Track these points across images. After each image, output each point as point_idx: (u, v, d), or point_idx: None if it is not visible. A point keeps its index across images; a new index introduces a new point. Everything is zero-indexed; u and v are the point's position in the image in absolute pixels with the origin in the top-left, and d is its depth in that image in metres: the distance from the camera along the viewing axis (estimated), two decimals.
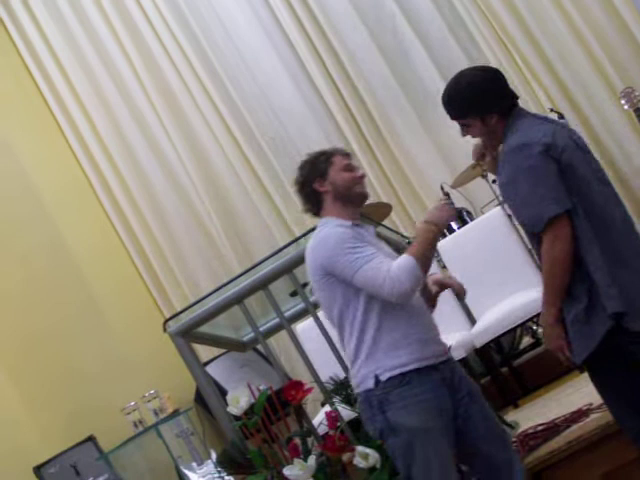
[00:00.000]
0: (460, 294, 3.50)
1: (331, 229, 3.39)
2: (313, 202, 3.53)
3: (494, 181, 6.61)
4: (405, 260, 3.25)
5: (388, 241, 4.14)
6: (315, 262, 3.40)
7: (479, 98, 3.34)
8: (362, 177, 3.51)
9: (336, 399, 4.09)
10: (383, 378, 3.27)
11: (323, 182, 3.47)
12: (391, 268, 3.23)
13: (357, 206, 3.52)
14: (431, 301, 3.54)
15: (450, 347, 3.58)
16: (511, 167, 3.22)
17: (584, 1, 7.13)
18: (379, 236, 3.69)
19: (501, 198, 3.37)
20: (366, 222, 3.64)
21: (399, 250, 3.81)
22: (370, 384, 3.30)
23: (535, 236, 3.25)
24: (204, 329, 4.52)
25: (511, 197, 3.28)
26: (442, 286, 3.55)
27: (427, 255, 3.30)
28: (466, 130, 3.42)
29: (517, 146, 3.21)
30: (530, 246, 3.47)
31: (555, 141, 3.22)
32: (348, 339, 3.37)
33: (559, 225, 3.14)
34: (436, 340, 3.41)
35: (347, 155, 3.56)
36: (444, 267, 5.86)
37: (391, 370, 3.27)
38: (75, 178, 7.98)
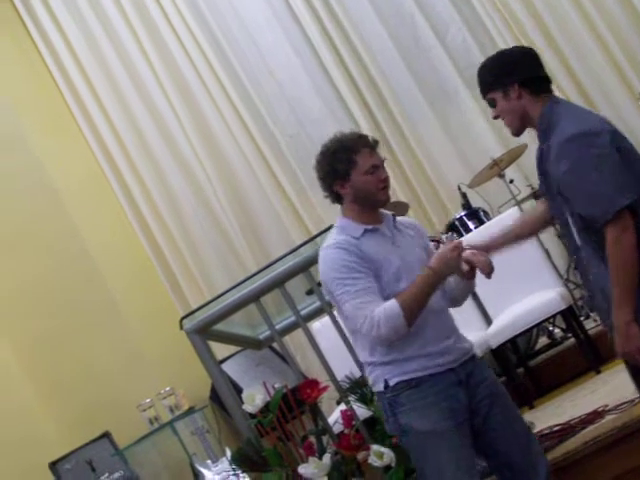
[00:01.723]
0: (484, 272, 3.30)
1: (331, 250, 3.28)
2: (333, 197, 3.41)
3: (511, 181, 6.59)
4: (390, 306, 3.14)
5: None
6: (320, 277, 3.38)
7: (502, 70, 3.27)
8: (386, 181, 3.33)
9: (352, 398, 4.09)
10: (392, 383, 3.26)
11: (344, 184, 3.32)
12: (374, 311, 3.13)
13: (377, 209, 3.39)
14: (466, 277, 3.36)
15: (472, 346, 3.50)
16: (574, 155, 3.05)
17: (604, 1, 7.11)
18: (401, 225, 3.46)
19: (560, 188, 3.14)
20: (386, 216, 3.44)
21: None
22: (380, 387, 3.30)
23: (585, 230, 3.11)
24: (220, 327, 4.53)
25: (572, 187, 3.09)
26: (471, 264, 3.35)
27: (419, 302, 3.17)
28: (493, 109, 3.31)
29: (580, 134, 3.06)
30: (566, 240, 3.28)
31: (615, 130, 3.12)
32: (361, 349, 3.36)
33: (625, 217, 3.00)
34: (454, 347, 3.31)
35: (373, 149, 3.33)
36: None
37: (400, 375, 3.25)
38: (92, 174, 7.99)
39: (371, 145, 3.33)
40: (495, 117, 3.34)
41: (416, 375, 3.23)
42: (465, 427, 3.26)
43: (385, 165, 3.40)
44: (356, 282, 3.19)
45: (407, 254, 3.33)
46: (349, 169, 3.29)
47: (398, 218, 3.45)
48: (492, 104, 3.30)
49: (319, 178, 3.40)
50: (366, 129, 7.64)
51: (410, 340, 3.23)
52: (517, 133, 3.34)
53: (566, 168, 3.07)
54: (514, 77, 3.22)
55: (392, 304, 3.14)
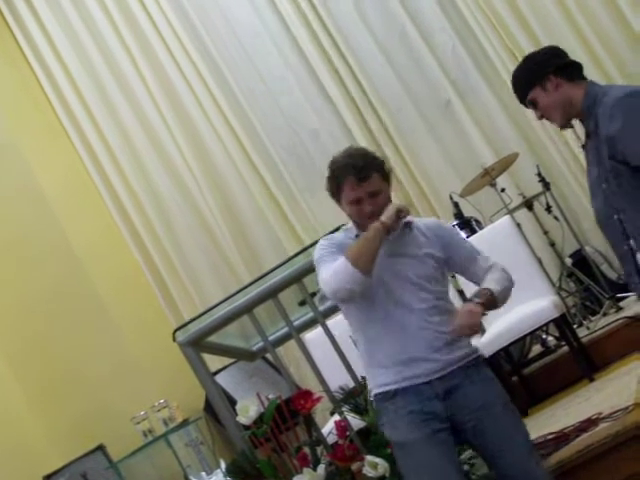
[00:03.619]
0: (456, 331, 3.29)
1: (321, 240, 3.49)
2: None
3: (503, 190, 6.60)
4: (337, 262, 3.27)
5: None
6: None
7: (534, 67, 3.42)
8: (371, 214, 3.31)
9: (345, 408, 4.09)
10: (372, 394, 3.38)
11: (339, 202, 3.42)
12: (324, 271, 3.29)
13: None
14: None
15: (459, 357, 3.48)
16: (625, 112, 3.20)
17: (593, 10, 7.14)
18: (418, 230, 3.45)
19: (614, 147, 3.25)
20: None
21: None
22: (372, 394, 3.43)
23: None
24: (213, 339, 4.52)
25: (627, 140, 3.21)
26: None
27: (362, 250, 3.22)
28: (537, 109, 3.41)
29: (628, 94, 3.24)
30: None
31: None
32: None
33: None
34: (430, 358, 3.26)
35: (361, 180, 3.30)
36: (453, 276, 5.85)
37: (378, 387, 3.34)
38: (81, 182, 8.02)
39: (358, 174, 3.31)
40: (540, 117, 3.46)
41: (390, 388, 3.29)
42: (440, 436, 3.23)
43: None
44: (333, 256, 3.31)
45: (397, 263, 3.35)
46: (338, 193, 3.39)
47: (417, 222, 3.46)
48: (534, 105, 3.41)
49: None
50: (360, 137, 7.65)
51: (382, 344, 3.30)
52: (564, 125, 3.46)
53: (619, 125, 3.20)
54: (546, 69, 3.37)
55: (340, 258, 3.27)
